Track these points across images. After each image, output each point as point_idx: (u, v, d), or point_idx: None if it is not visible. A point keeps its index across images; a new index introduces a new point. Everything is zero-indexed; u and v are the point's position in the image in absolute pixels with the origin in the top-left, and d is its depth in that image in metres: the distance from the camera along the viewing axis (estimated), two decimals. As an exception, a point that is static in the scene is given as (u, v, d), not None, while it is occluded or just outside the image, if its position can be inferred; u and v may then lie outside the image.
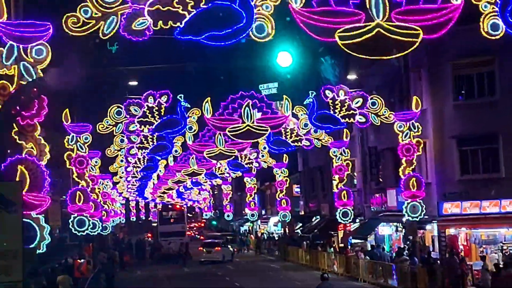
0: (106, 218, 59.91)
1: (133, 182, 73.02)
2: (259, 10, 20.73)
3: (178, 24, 19.85)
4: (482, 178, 39.76)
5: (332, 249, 53.55)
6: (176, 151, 47.04)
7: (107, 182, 61.12)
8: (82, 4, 20.20)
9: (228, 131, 37.95)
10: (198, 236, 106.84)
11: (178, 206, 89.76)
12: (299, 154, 70.54)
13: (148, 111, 37.50)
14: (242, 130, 37.81)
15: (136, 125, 37.93)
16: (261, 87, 78.27)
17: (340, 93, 38.16)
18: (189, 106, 38.33)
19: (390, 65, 43.56)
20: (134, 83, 46.59)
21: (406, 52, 21.36)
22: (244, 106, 37.82)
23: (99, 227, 44.20)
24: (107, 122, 37.95)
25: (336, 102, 38.07)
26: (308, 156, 68.46)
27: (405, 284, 37.63)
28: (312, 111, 38.72)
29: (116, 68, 40.92)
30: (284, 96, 38.80)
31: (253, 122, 37.85)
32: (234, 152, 45.50)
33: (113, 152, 45.31)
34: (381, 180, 49.58)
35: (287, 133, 44.08)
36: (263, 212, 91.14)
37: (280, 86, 77.31)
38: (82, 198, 37.23)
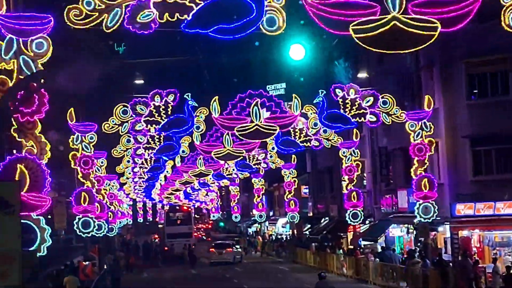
0: (113, 220, 59.22)
1: (140, 183, 72.30)
2: (270, 2, 19.91)
3: (185, 16, 19.07)
4: (495, 179, 38.99)
5: (341, 251, 52.82)
6: (183, 151, 46.35)
7: (114, 183, 60.48)
8: (85, -5, 19.43)
9: (236, 130, 37.19)
10: (205, 238, 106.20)
11: (185, 208, 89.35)
12: (307, 154, 70.01)
13: (154, 110, 36.78)
14: (250, 130, 37.04)
15: (143, 125, 37.18)
16: (268, 87, 77.59)
17: (351, 92, 37.47)
18: (196, 105, 37.58)
19: (401, 63, 42.79)
20: (141, 81, 45.93)
21: (424, 46, 20.45)
22: (252, 105, 37.05)
23: (105, 228, 43.49)
24: (113, 121, 37.23)
25: (347, 101, 37.42)
26: (316, 156, 67.97)
27: (417, 286, 36.79)
28: (322, 110, 38.01)
29: (123, 61, 40.26)
30: (294, 95, 38.03)
31: (261, 122, 37.08)
32: (242, 153, 44.80)
33: (120, 152, 44.77)
34: (391, 181, 48.83)
35: (296, 133, 43.35)
36: (271, 213, 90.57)
37: (288, 87, 76.73)
38: (87, 199, 36.57)
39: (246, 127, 37.01)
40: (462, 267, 35.10)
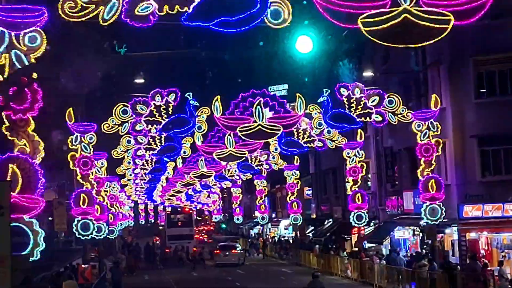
0: (113, 222, 59.06)
1: (141, 185, 71.99)
2: (274, -7, 19.04)
3: (186, 9, 18.19)
4: (504, 180, 38.19)
5: (345, 253, 52.02)
6: (184, 152, 45.73)
7: (114, 184, 60.15)
8: (80, -13, 18.51)
9: (239, 130, 36.37)
10: (207, 240, 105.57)
11: (186, 209, 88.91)
12: (310, 155, 69.29)
13: (155, 110, 36.08)
14: (253, 130, 36.23)
15: (143, 125, 36.41)
16: (270, 88, 76.74)
17: (356, 91, 36.78)
18: (198, 104, 36.84)
19: (407, 61, 42.02)
20: (141, 80, 45.13)
21: (436, 40, 19.56)
22: (255, 104, 36.20)
23: (105, 230, 42.85)
24: (113, 121, 36.46)
25: (352, 101, 36.74)
26: (320, 157, 67.38)
27: (424, 290, 36.10)
28: (326, 109, 37.22)
29: (122, 55, 39.37)
30: (297, 94, 37.16)
31: (264, 122, 36.26)
32: (245, 154, 44.12)
33: (120, 153, 44.20)
34: (396, 182, 48.09)
35: (299, 134, 42.87)
36: (274, 215, 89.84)
37: (290, 88, 76.08)
38: (87, 201, 35.94)
39: (249, 127, 36.21)
40: (471, 270, 34.25)
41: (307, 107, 38.21)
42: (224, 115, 36.41)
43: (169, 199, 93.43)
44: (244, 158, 45.94)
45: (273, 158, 53.52)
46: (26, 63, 18.22)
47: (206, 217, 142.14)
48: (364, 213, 44.73)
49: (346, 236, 56.71)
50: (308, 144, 43.33)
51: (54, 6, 18.78)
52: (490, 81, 38.97)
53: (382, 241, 47.34)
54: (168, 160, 53.41)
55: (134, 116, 36.24)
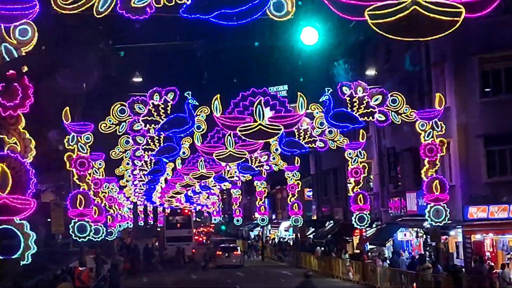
0: (112, 223, 58.44)
1: (140, 186, 71.72)
2: (277, -16, 18.24)
3: (184, 0, 17.37)
4: (510, 180, 37.38)
5: (347, 255, 51.30)
6: (183, 153, 45.15)
7: (113, 185, 59.67)
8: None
9: (239, 130, 35.72)
10: (206, 242, 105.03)
11: (185, 211, 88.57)
12: (311, 156, 68.67)
13: (153, 109, 35.56)
14: (253, 130, 35.60)
15: (141, 124, 35.73)
16: (270, 89, 76.10)
17: (358, 90, 36.24)
18: (197, 104, 36.20)
19: (410, 60, 41.31)
20: (139, 79, 44.42)
21: (446, 33, 18.77)
22: (255, 104, 35.56)
23: (103, 232, 42.17)
24: (110, 121, 35.79)
25: (354, 100, 36.15)
26: (320, 158, 66.71)
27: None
28: (328, 109, 36.57)
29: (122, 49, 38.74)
30: (299, 93, 36.50)
31: (265, 121, 35.54)
32: (245, 154, 43.60)
33: (118, 154, 43.71)
34: (399, 183, 47.35)
35: (300, 134, 42.37)
36: (274, 216, 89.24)
37: (290, 89, 75.50)
38: (84, 202, 35.17)
39: (249, 127, 35.61)
40: (477, 273, 33.52)
41: (308, 106, 37.51)
42: (224, 115, 35.84)
43: (168, 200, 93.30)
44: (244, 158, 45.60)
45: (274, 158, 53.17)
46: (16, 56, 17.37)
47: (206, 218, 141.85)
48: (366, 214, 44.10)
49: (347, 238, 55.99)
50: (309, 145, 42.90)
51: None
52: (495, 79, 38.14)
53: (385, 243, 46.62)
54: (167, 161, 53.18)
55: (132, 115, 35.60)
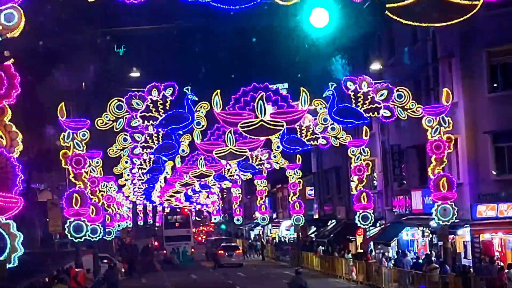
0: (110, 223, 57.95)
1: (139, 185, 71.01)
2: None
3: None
4: (520, 178, 36.50)
5: (350, 255, 50.31)
6: (183, 150, 44.18)
7: (111, 184, 58.95)
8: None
9: (240, 126, 34.74)
10: (205, 242, 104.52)
11: (184, 210, 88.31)
12: (312, 154, 68.00)
13: (151, 105, 34.58)
14: (255, 126, 34.63)
15: (139, 121, 34.69)
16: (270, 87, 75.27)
17: (363, 85, 35.21)
18: (197, 99, 35.16)
19: (415, 54, 40.33)
20: (137, 74, 43.40)
21: (464, 18, 17.64)
22: (257, 99, 34.54)
23: (100, 232, 41.19)
24: (107, 117, 34.70)
25: (359, 95, 35.10)
26: (322, 156, 65.85)
27: (436, 294, 34.33)
28: (332, 104, 35.47)
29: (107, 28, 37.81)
30: (301, 89, 35.44)
31: (267, 117, 34.49)
32: (246, 152, 42.72)
33: (116, 151, 42.76)
34: (404, 181, 46.39)
35: (302, 131, 41.47)
36: (274, 215, 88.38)
37: (290, 88, 74.52)
38: (80, 201, 34.10)
39: (250, 123, 34.69)
40: (487, 273, 32.45)
41: (311, 102, 36.42)
42: (224, 110, 34.78)
43: (168, 199, 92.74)
44: (244, 156, 44.92)
45: (275, 157, 52.32)
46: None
47: (206, 218, 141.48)
48: (369, 213, 43.37)
49: (350, 237, 54.99)
50: (312, 142, 42.15)
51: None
52: (504, 74, 37.23)
53: (390, 242, 45.61)
54: (166, 159, 52.49)
55: (130, 111, 34.61)
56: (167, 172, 61.66)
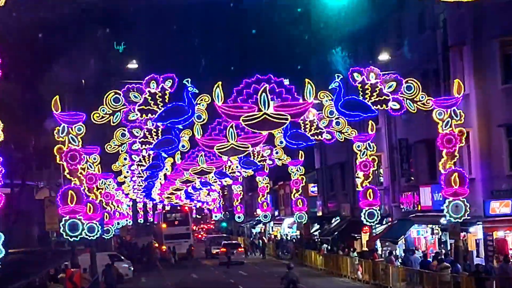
0: (109, 221, 56.89)
1: (139, 183, 70.14)
2: None
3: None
4: (536, 173, 35.43)
5: (355, 253, 48.95)
6: (183, 146, 42.70)
7: (110, 181, 57.99)
8: None
9: (242, 120, 33.23)
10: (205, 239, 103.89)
11: (181, 208, 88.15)
12: (316, 150, 67.03)
13: (150, 98, 33.15)
14: (258, 119, 33.11)
15: (137, 114, 33.21)
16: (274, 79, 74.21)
17: (371, 76, 33.74)
18: (197, 92, 33.60)
19: (424, 43, 38.93)
20: (134, 66, 41.98)
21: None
22: (260, 91, 33.02)
23: (98, 230, 39.80)
24: (103, 110, 33.17)
25: (366, 87, 33.61)
26: (326, 152, 64.92)
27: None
28: (338, 96, 33.95)
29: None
30: (306, 80, 33.90)
31: (271, 110, 33.03)
32: (248, 147, 41.48)
33: (114, 147, 41.43)
34: (412, 177, 45.11)
35: (306, 126, 40.16)
36: (276, 213, 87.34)
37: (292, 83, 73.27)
38: (75, 199, 32.64)
39: (253, 116, 33.16)
40: (502, 273, 31.03)
41: (317, 94, 34.90)
42: (226, 103, 33.26)
43: (168, 197, 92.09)
44: (246, 152, 43.69)
45: (277, 153, 51.31)
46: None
47: (206, 215, 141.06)
48: (376, 210, 42.00)
49: (355, 235, 53.70)
50: (316, 137, 40.64)
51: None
52: (519, 64, 36.15)
53: (397, 240, 44.24)
54: (166, 156, 51.51)
55: (127, 104, 33.15)
56: (167, 169, 60.58)
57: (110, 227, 58.22)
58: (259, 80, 33.47)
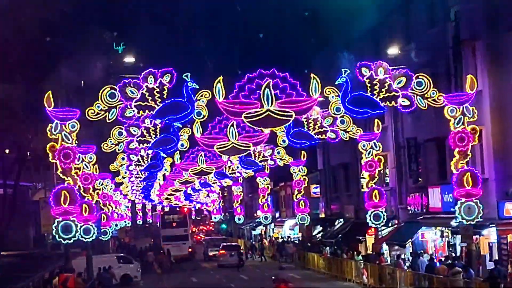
0: (106, 222, 55.57)
1: (137, 183, 69.06)
2: None
3: None
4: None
5: (360, 256, 47.49)
6: (182, 145, 41.24)
7: (107, 182, 56.88)
8: None
9: (244, 116, 31.71)
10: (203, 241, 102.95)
11: (180, 209, 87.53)
12: (318, 150, 65.92)
13: (147, 93, 31.61)
14: (261, 116, 31.62)
15: (134, 110, 31.65)
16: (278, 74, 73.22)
17: (379, 71, 32.27)
18: (197, 87, 31.97)
19: (435, 37, 37.41)
20: (131, 59, 40.44)
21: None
22: (263, 87, 31.52)
23: (94, 232, 38.31)
24: (99, 106, 31.62)
25: (374, 82, 32.21)
26: (329, 152, 63.61)
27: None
28: (345, 92, 32.41)
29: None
30: (312, 75, 32.37)
31: (274, 106, 31.50)
32: (249, 146, 40.09)
33: (110, 146, 40.17)
34: (420, 178, 43.51)
35: (309, 124, 38.84)
36: (277, 214, 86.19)
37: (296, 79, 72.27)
38: (69, 199, 31.10)
39: (256, 113, 31.64)
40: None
41: (322, 90, 33.31)
42: (228, 99, 31.70)
43: (167, 198, 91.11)
44: (248, 151, 42.40)
45: (278, 153, 50.11)
46: None
47: (206, 217, 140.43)
48: (382, 212, 40.62)
49: (360, 238, 52.24)
50: (320, 136, 39.35)
51: None
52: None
53: (405, 243, 42.64)
54: (165, 156, 50.33)
55: (123, 100, 31.63)
56: (165, 169, 59.48)
57: (108, 229, 57.12)
58: (262, 75, 31.94)
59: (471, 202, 31.57)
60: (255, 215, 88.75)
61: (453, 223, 34.78)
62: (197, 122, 36.47)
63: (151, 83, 31.37)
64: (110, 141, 39.52)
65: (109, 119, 31.95)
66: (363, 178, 42.17)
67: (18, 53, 38.53)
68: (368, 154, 41.07)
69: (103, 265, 45.36)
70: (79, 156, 37.44)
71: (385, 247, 47.02)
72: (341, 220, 59.60)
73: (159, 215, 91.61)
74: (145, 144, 39.54)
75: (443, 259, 37.42)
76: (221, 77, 31.60)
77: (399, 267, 39.84)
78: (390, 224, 47.12)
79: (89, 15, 38.25)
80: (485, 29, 35.59)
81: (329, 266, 52.47)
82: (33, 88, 39.52)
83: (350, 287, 45.32)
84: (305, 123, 38.56)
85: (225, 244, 72.63)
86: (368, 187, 40.95)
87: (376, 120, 40.21)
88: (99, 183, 53.42)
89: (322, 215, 67.00)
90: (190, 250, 76.24)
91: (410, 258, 41.29)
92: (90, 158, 41.15)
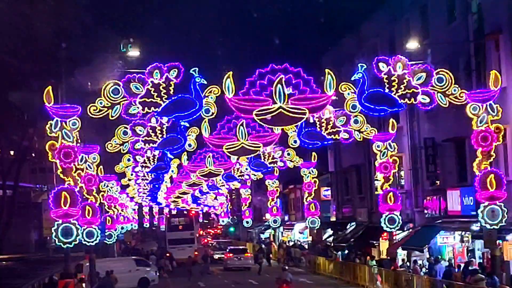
0: (111, 225, 54.07)
1: (144, 186, 67.88)
2: None
3: None
4: None
5: (374, 261, 45.79)
6: (189, 145, 39.65)
7: (113, 184, 55.47)
8: None
9: (255, 114, 30.03)
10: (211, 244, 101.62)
11: (188, 212, 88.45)
12: (329, 152, 64.35)
13: (153, 89, 29.91)
14: (273, 113, 29.88)
15: (138, 107, 29.94)
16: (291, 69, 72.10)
17: (398, 67, 30.53)
18: (205, 82, 30.24)
19: (455, 31, 35.69)
20: (136, 53, 38.77)
21: None
22: (275, 82, 29.86)
23: (97, 235, 36.67)
24: (101, 103, 29.93)
25: (393, 78, 30.42)
26: (340, 154, 62.01)
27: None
28: (362, 89, 30.63)
29: None
30: (327, 70, 30.65)
31: (287, 103, 29.81)
32: (259, 147, 38.58)
33: (115, 146, 38.57)
34: (437, 180, 41.78)
35: (322, 124, 37.12)
36: (286, 218, 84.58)
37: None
38: (69, 201, 29.44)
39: (268, 110, 29.92)
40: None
41: (337, 87, 31.55)
42: (237, 96, 30.03)
43: (174, 201, 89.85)
44: (258, 151, 40.61)
45: (288, 154, 48.35)
46: None
47: (213, 220, 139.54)
48: (397, 215, 38.53)
49: (374, 242, 50.50)
50: (332, 136, 37.54)
51: None
52: None
53: (422, 248, 40.79)
54: (172, 157, 48.81)
55: (128, 96, 29.91)
56: (172, 171, 57.78)
57: (113, 232, 55.42)
58: (275, 70, 30.29)
59: (494, 205, 29.93)
60: (263, 218, 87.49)
61: (474, 227, 33.14)
62: (205, 121, 35.04)
63: (157, 78, 29.74)
64: (115, 141, 37.87)
65: (112, 117, 30.24)
66: (377, 180, 40.46)
67: (32, 60, 37.36)
68: (383, 155, 39.11)
69: (120, 268, 43.91)
70: (82, 156, 36.06)
71: (400, 251, 45.34)
72: (353, 223, 57.85)
73: (165, 218, 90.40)
74: (151, 144, 37.91)
75: (462, 265, 35.71)
76: (230, 72, 29.91)
77: (415, 272, 38.14)
78: (405, 228, 45.40)
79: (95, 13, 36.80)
80: (509, 22, 33.62)
81: (341, 271, 50.83)
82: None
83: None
84: (317, 122, 36.88)
85: (232, 247, 72.04)
86: (382, 189, 38.87)
87: (391, 120, 38.44)
88: (104, 185, 52.12)
89: (333, 218, 65.25)
90: (196, 253, 74.66)
91: (427, 263, 39.51)
92: (94, 158, 39.51)
